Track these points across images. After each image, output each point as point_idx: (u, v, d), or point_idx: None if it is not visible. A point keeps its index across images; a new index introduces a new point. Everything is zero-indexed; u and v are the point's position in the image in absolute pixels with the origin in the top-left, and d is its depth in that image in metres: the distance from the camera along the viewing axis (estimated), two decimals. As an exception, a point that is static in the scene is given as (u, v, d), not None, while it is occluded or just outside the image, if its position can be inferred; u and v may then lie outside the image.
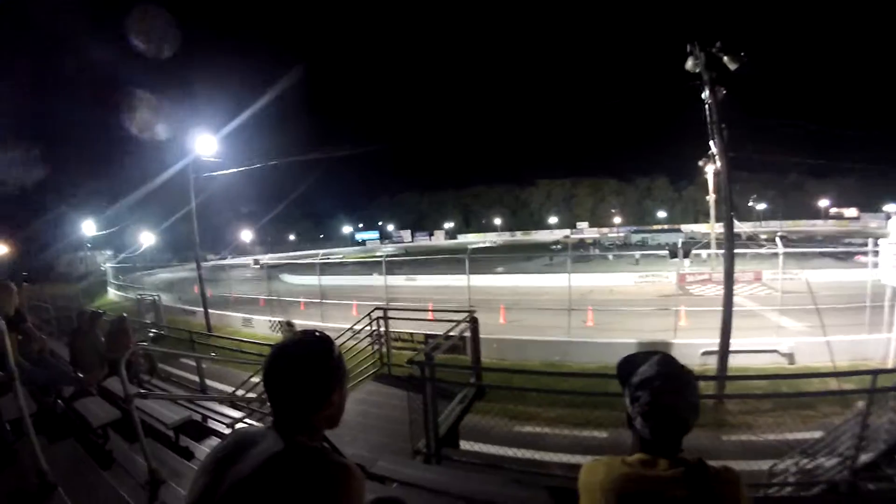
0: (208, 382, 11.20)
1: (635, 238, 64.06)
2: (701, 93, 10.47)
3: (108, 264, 54.64)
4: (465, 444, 7.36)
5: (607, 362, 11.78)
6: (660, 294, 21.89)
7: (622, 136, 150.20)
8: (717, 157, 10.53)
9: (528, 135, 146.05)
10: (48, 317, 16.04)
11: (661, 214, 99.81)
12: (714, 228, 29.16)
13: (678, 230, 67.74)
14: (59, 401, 5.88)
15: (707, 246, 28.80)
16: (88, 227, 42.78)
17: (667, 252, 24.31)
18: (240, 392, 9.49)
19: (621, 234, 77.42)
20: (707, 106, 10.44)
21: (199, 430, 5.72)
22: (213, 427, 6.08)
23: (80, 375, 6.79)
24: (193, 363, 12.19)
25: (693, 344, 12.22)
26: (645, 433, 1.51)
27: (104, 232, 42.80)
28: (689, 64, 10.34)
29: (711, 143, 10.50)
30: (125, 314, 10.11)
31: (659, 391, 1.49)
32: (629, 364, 1.65)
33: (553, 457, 7.44)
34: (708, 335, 11.79)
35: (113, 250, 64.83)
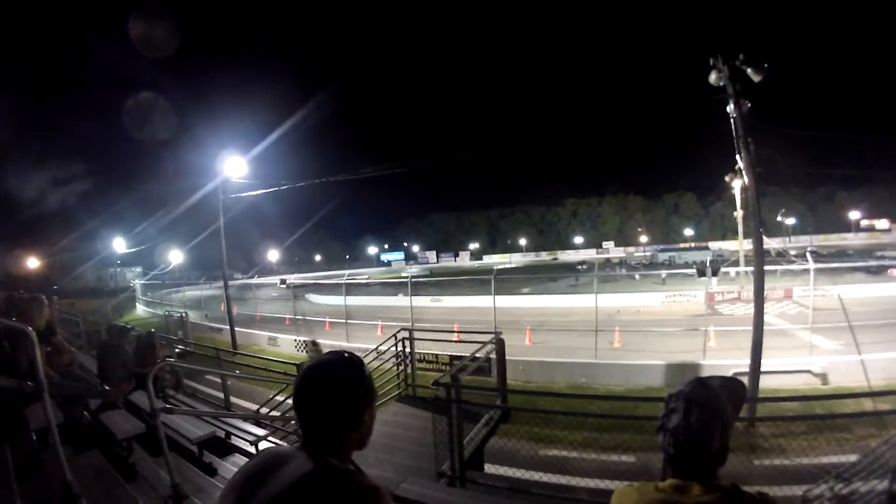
0: (233, 399, 11.23)
1: (662, 257, 62.47)
2: (726, 106, 10.30)
3: (137, 281, 55.72)
4: (489, 468, 7.23)
5: (635, 384, 11.58)
6: (688, 314, 21.40)
7: (648, 153, 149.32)
8: (744, 172, 10.33)
9: (555, 153, 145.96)
10: (77, 330, 16.25)
11: (689, 232, 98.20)
12: (742, 245, 28.66)
13: (706, 247, 65.86)
14: (86, 412, 5.90)
15: (736, 263, 28.27)
16: (119, 245, 43.82)
17: (694, 271, 23.86)
18: (264, 410, 9.49)
19: (648, 253, 76.37)
20: (732, 119, 10.25)
21: (223, 447, 5.70)
22: (237, 444, 6.06)
23: (107, 388, 6.83)
24: (218, 380, 12.24)
25: (723, 365, 11.89)
26: (676, 457, 1.48)
27: (134, 249, 43.72)
28: (713, 77, 10.19)
29: (738, 157, 10.29)
30: (153, 330, 10.20)
31: (689, 413, 1.45)
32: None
33: (580, 481, 7.25)
34: (738, 356, 11.53)
35: (142, 267, 66.21)
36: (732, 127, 10.31)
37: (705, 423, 1.43)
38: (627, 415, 5.54)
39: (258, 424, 7.66)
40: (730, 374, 8.04)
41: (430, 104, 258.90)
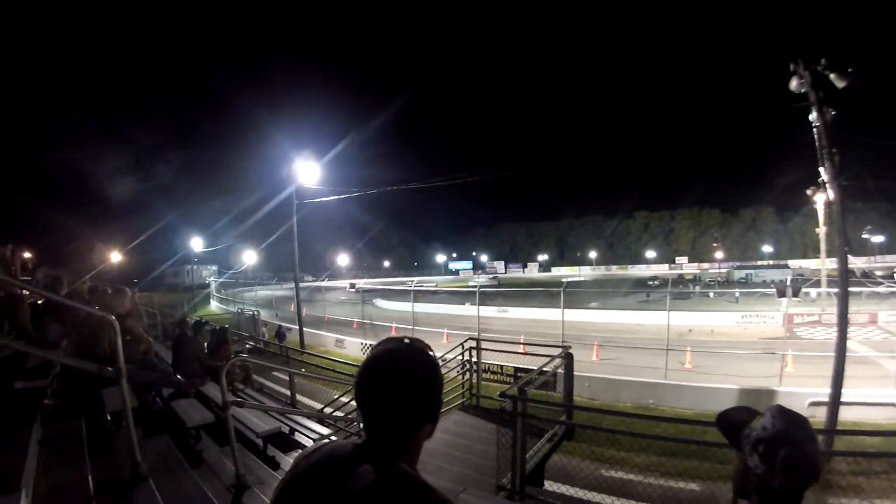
0: (298, 397, 11.41)
1: (738, 274, 59.76)
2: (808, 115, 9.67)
3: (212, 279, 58.24)
4: (548, 485, 7.04)
5: (705, 409, 11.10)
6: (764, 336, 20.34)
7: (725, 164, 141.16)
8: (827, 185, 9.66)
9: (627, 164, 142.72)
10: (155, 322, 16.99)
11: (767, 248, 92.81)
12: (825, 264, 27.08)
13: (785, 266, 62.10)
14: (158, 399, 6.12)
15: (817, 284, 26.75)
16: (196, 244, 45.94)
17: (774, 290, 22.61)
18: (328, 410, 9.63)
19: (723, 270, 73.08)
20: (815, 129, 9.60)
21: (287, 442, 5.78)
22: (300, 440, 6.15)
23: (181, 378, 7.06)
24: (286, 377, 12.49)
25: (800, 393, 11.22)
26: (785, 490, 1.39)
27: (210, 249, 45.70)
28: (794, 84, 9.59)
29: (821, 169, 9.62)
30: (227, 325, 10.52)
31: (801, 442, 1.38)
32: (730, 420, 1.59)
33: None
34: (817, 383, 10.89)
35: (217, 266, 69.05)
36: (815, 137, 9.68)
37: (814, 456, 1.39)
38: (696, 440, 5.21)
39: (322, 423, 7.77)
40: (807, 403, 7.66)
41: (501, 112, 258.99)
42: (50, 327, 5.72)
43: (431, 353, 1.25)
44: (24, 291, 5.86)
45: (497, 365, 12.59)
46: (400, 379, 1.16)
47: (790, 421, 1.41)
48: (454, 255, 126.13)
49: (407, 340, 1.24)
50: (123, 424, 3.65)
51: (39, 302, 6.49)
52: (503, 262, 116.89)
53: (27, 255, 11.66)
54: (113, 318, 3.68)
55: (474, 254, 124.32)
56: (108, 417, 4.53)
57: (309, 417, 7.86)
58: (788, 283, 21.74)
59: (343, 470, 1.12)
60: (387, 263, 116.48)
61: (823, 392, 9.77)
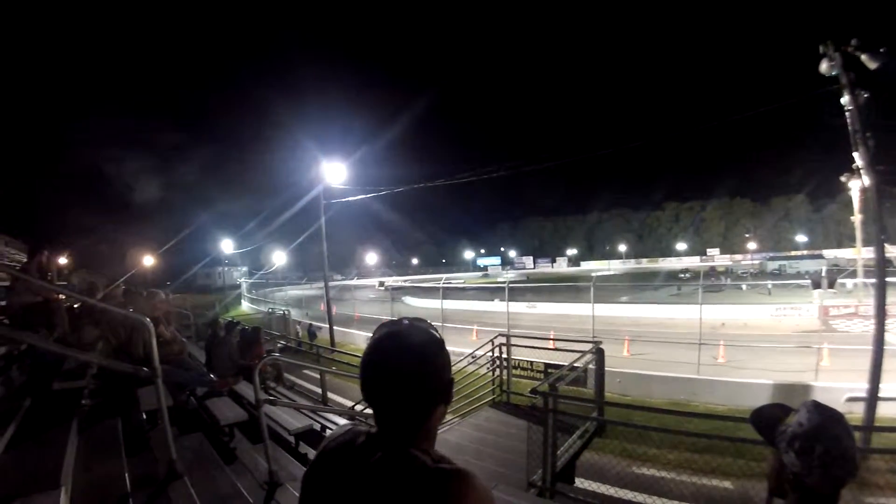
0: (329, 395, 11.52)
1: (771, 265, 58.20)
2: (840, 98, 9.33)
3: (243, 279, 59.15)
4: (579, 482, 6.99)
5: (739, 404, 10.85)
6: (799, 329, 19.87)
7: (756, 153, 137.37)
8: (862, 171, 9.33)
9: (655, 155, 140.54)
10: (188, 323, 17.26)
11: (801, 238, 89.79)
12: (861, 253, 26.31)
13: (819, 256, 59.90)
14: (193, 398, 6.24)
15: (853, 274, 26.02)
16: (227, 246, 46.71)
17: (808, 282, 21.98)
18: (359, 407, 9.69)
19: (756, 262, 71.40)
20: (848, 112, 9.24)
21: (318, 439, 5.80)
22: (331, 437, 6.17)
23: (214, 378, 7.18)
24: (316, 375, 12.61)
25: (836, 388, 10.90)
26: (822, 487, 1.36)
27: (240, 251, 46.43)
28: (824, 67, 9.23)
29: (855, 155, 9.29)
30: (259, 326, 10.66)
31: (838, 438, 1.35)
32: (765, 416, 1.56)
33: (672, 505, 6.85)
34: (853, 378, 10.45)
35: (248, 267, 70.15)
36: (848, 121, 9.36)
37: (852, 453, 1.36)
38: (729, 437, 5.11)
39: (353, 420, 7.81)
40: (843, 398, 7.43)
41: (527, 104, 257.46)
42: (86, 330, 5.85)
43: (434, 330, 1.21)
44: (61, 296, 6.03)
45: (527, 361, 12.53)
46: (404, 361, 1.12)
47: (826, 417, 1.39)
48: (482, 251, 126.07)
49: (406, 321, 1.21)
50: (159, 423, 3.74)
51: (76, 306, 6.65)
52: (531, 258, 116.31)
53: (63, 260, 11.97)
54: (147, 319, 3.75)
55: (502, 249, 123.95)
56: (144, 416, 4.64)
57: (340, 415, 7.92)
58: (823, 273, 21.16)
59: (357, 460, 1.11)
60: (415, 261, 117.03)
61: (860, 387, 9.44)
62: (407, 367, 1.11)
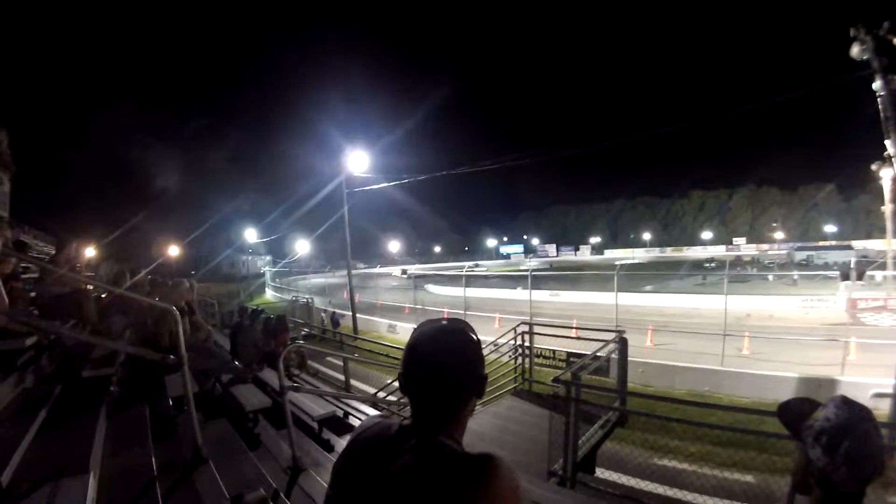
0: (352, 382, 11.61)
1: (799, 256, 56.52)
2: (872, 84, 9.01)
3: (266, 268, 59.83)
4: (599, 472, 6.96)
5: (763, 398, 10.67)
6: (826, 322, 19.45)
7: (784, 140, 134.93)
8: (893, 160, 9.04)
9: (680, 142, 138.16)
10: (213, 311, 17.53)
11: (830, 228, 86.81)
12: (891, 245, 25.67)
13: (848, 247, 58.93)
14: (218, 385, 6.34)
15: (883, 266, 25.42)
16: (250, 235, 47.25)
17: (836, 273, 21.47)
18: (381, 394, 9.77)
19: (783, 252, 70.02)
20: (880, 98, 8.93)
21: (341, 426, 5.88)
22: (354, 424, 6.23)
23: (239, 365, 7.28)
24: (339, 362, 12.72)
25: (862, 383, 10.57)
26: (848, 484, 1.34)
27: (264, 240, 46.99)
28: (855, 51, 8.95)
29: (887, 142, 9.00)
30: (284, 314, 10.77)
31: (866, 434, 1.34)
32: (792, 410, 1.54)
33: (691, 497, 6.76)
34: (881, 373, 10.16)
35: (271, 256, 70.91)
36: (880, 107, 9.08)
37: (879, 449, 1.35)
38: (752, 430, 5.04)
39: (375, 407, 7.90)
40: (870, 393, 7.23)
41: (547, 90, 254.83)
42: (114, 319, 5.96)
43: (470, 328, 1.27)
44: (89, 286, 6.14)
45: (549, 350, 12.49)
46: (444, 357, 1.20)
47: (854, 412, 1.37)
48: (504, 238, 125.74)
49: (444, 321, 1.29)
50: (185, 409, 3.84)
51: (104, 295, 6.77)
52: (555, 246, 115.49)
53: (91, 251, 12.18)
54: (174, 308, 3.82)
55: (525, 237, 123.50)
56: (171, 403, 4.73)
57: (363, 402, 7.98)
58: (852, 265, 20.72)
59: (390, 448, 1.16)
60: (437, 249, 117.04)
61: (888, 382, 9.22)
62: (447, 363, 1.19)
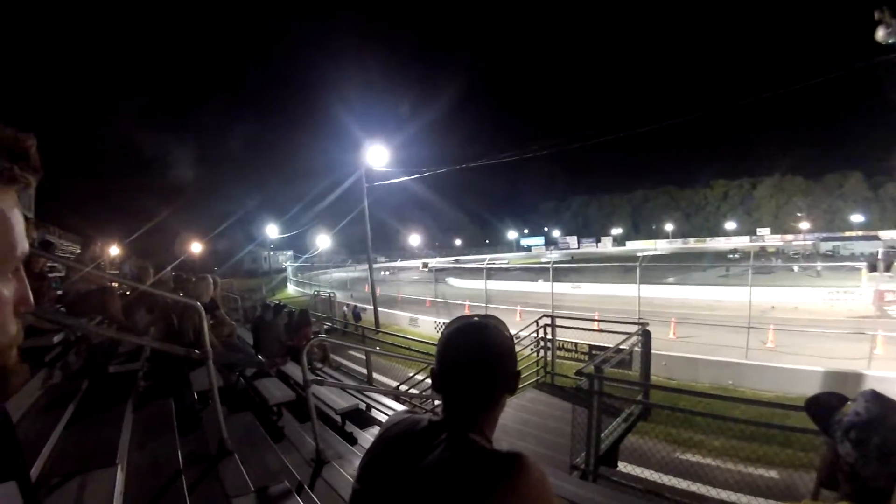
0: (375, 375, 11.66)
1: (825, 246, 54.54)
2: None
3: (288, 263, 60.41)
4: (621, 466, 6.92)
5: (788, 391, 10.49)
6: (852, 314, 19.04)
7: (809, 128, 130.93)
8: None
9: (702, 131, 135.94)
10: (236, 306, 17.67)
11: (857, 218, 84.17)
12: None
13: (875, 237, 56.46)
14: (242, 379, 6.42)
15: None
16: (272, 231, 47.77)
17: (862, 264, 20.95)
18: (403, 387, 9.80)
19: (808, 242, 68.53)
20: None
21: (364, 419, 5.92)
22: (377, 417, 6.28)
23: (262, 359, 7.36)
24: (362, 355, 12.77)
25: (890, 378, 10.36)
26: (878, 480, 1.32)
27: (286, 235, 47.41)
28: (880, 34, 8.72)
29: None
30: (307, 308, 10.84)
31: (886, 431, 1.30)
32: (821, 405, 1.51)
33: (714, 492, 6.68)
34: None
35: (293, 251, 71.52)
36: None
37: None
38: (777, 424, 4.97)
39: (397, 400, 7.93)
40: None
41: (569, 79, 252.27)
42: (139, 315, 6.05)
43: (503, 325, 1.27)
44: (114, 283, 6.24)
45: (571, 342, 12.43)
46: (478, 354, 1.19)
47: (886, 407, 1.35)
48: (525, 230, 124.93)
49: (476, 318, 1.26)
50: (210, 402, 3.92)
51: (128, 292, 6.87)
52: (576, 237, 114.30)
53: (115, 249, 12.37)
54: (198, 304, 3.88)
55: (546, 229, 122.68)
56: (196, 396, 4.80)
57: (385, 395, 8.02)
58: (880, 255, 20.25)
59: (419, 443, 1.15)
60: (458, 241, 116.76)
61: (916, 377, 9.06)
62: (482, 359, 1.19)
